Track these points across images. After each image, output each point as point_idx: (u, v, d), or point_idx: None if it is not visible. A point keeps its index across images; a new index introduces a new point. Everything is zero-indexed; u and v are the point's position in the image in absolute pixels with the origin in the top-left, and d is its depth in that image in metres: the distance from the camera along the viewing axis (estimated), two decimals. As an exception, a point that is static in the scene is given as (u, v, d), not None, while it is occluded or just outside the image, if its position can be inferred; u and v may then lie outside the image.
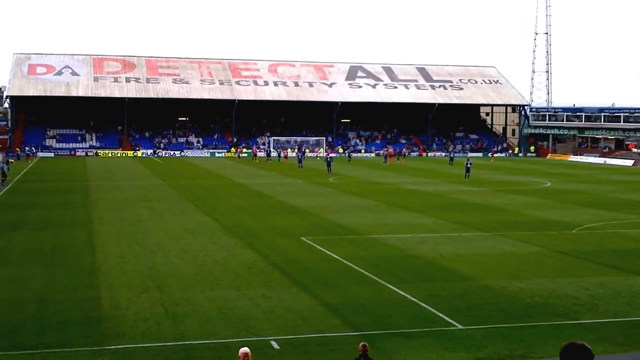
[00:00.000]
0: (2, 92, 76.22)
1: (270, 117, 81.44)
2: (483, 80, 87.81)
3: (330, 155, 59.32)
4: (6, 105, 73.90)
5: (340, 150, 74.98)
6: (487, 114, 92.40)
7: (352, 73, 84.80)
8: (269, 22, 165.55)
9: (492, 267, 18.08)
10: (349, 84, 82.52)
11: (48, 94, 71.72)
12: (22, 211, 27.80)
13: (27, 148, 66.36)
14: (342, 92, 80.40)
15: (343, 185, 40.85)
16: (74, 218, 25.92)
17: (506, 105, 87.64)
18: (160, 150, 72.98)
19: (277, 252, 19.75)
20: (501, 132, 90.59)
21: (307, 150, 73.23)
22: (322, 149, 75.78)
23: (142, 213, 27.39)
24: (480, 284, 16.07)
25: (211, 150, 74.40)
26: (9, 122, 74.68)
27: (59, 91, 72.30)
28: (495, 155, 76.32)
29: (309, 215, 27.31)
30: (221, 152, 73.87)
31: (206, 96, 76.07)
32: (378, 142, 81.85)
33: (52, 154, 68.90)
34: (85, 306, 13.84)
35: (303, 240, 21.51)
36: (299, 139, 77.83)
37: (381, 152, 70.39)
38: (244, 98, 76.56)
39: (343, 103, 78.69)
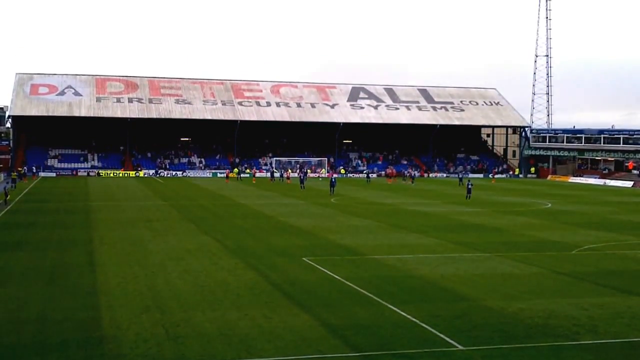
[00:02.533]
0: (4, 112, 76.71)
1: (273, 137, 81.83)
2: (484, 102, 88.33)
3: (334, 176, 59.38)
4: (8, 125, 74.30)
5: (342, 171, 75.16)
6: (488, 136, 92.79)
7: (354, 94, 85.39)
8: (272, 43, 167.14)
9: (493, 288, 18.08)
10: (350, 105, 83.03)
11: (50, 114, 72.15)
12: (23, 231, 27.87)
13: (28, 167, 66.48)
14: (344, 113, 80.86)
15: (344, 205, 40.91)
16: (74, 238, 25.94)
17: (507, 127, 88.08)
18: (162, 171, 73.24)
19: (278, 272, 19.76)
20: (502, 153, 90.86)
21: (309, 171, 73.41)
22: (324, 170, 76.02)
23: (143, 233, 27.43)
24: (481, 305, 16.06)
25: (213, 171, 74.64)
26: (11, 142, 75.05)
27: (61, 111, 72.73)
28: (496, 176, 76.45)
29: (311, 236, 27.34)
30: (223, 173, 74.10)
31: (208, 117, 76.54)
32: (380, 163, 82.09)
33: (54, 174, 69.15)
34: (85, 327, 13.84)
35: (304, 261, 21.53)
36: (301, 159, 78.12)
37: (380, 172, 70.58)
38: (246, 119, 77.03)
39: (345, 124, 79.12)
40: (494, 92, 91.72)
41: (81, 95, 75.84)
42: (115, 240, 25.34)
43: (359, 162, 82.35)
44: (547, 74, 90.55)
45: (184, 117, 76.00)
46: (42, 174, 68.13)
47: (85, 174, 70.25)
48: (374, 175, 75.14)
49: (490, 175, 76.13)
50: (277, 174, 67.76)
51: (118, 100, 76.34)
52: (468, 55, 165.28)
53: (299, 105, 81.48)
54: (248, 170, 71.73)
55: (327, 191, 49.73)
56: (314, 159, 78.62)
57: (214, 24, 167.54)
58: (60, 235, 26.59)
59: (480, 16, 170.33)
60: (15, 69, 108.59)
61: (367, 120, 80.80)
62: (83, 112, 73.32)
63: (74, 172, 70.60)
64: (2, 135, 78.67)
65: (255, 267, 20.50)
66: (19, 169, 61.09)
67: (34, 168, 67.84)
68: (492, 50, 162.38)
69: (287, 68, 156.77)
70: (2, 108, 78.89)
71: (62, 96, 75.09)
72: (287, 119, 78.75)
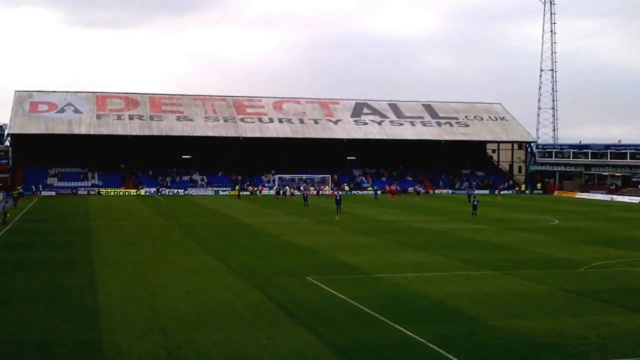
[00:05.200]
0: (3, 130, 77.00)
1: (275, 154, 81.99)
2: (489, 117, 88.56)
3: (339, 192, 59.36)
4: (7, 143, 74.56)
5: (346, 188, 75.24)
6: (494, 151, 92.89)
7: (358, 110, 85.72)
8: (274, 59, 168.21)
9: (500, 307, 18.06)
10: (354, 120, 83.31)
11: (50, 132, 72.04)
12: (23, 251, 27.93)
13: (21, 187, 66.07)
14: (347, 129, 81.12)
15: (349, 223, 40.93)
16: (75, 258, 25.97)
17: (512, 142, 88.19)
18: (164, 189, 73.33)
19: (282, 292, 19.77)
20: (508, 169, 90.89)
21: (312, 189, 73.37)
22: (327, 187, 76.09)
23: (145, 253, 27.48)
24: (489, 324, 16.04)
25: (215, 189, 74.75)
26: (10, 160, 75.20)
27: (61, 129, 72.77)
28: (501, 192, 76.39)
29: (315, 255, 27.36)
30: (225, 191, 74.19)
31: (210, 133, 76.79)
32: (384, 179, 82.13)
33: (53, 193, 69.10)
34: (86, 349, 13.83)
35: (308, 280, 21.54)
36: (304, 176, 78.17)
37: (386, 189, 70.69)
38: (249, 135, 77.29)
39: (349, 140, 79.34)
40: (499, 107, 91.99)
41: (81, 113, 76.03)
42: (116, 261, 25.37)
43: (363, 178, 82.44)
44: (553, 88, 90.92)
45: (186, 134, 76.25)
46: (42, 193, 68.08)
47: (86, 192, 70.27)
48: (379, 192, 75.26)
49: (496, 192, 76.11)
50: (281, 192, 67.79)
51: (118, 118, 76.64)
52: (472, 70, 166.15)
53: (301, 121, 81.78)
54: (251, 188, 71.86)
55: (331, 208, 49.75)
56: (318, 176, 78.72)
57: (213, 40, 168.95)
58: (61, 256, 26.63)
59: (484, 30, 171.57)
60: (14, 87, 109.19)
61: (371, 136, 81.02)
62: (83, 130, 73.48)
63: (74, 191, 70.61)
64: (1, 153, 78.93)
65: (259, 286, 20.51)
66: (18, 187, 61.27)
67: (33, 187, 67.91)
68: (497, 65, 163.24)
69: (290, 84, 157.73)
70: (1, 126, 78.94)
71: (62, 114, 75.21)
72: (289, 135, 78.99)
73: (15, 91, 78.49)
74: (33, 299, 18.65)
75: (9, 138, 73.07)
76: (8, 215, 39.47)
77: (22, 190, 62.58)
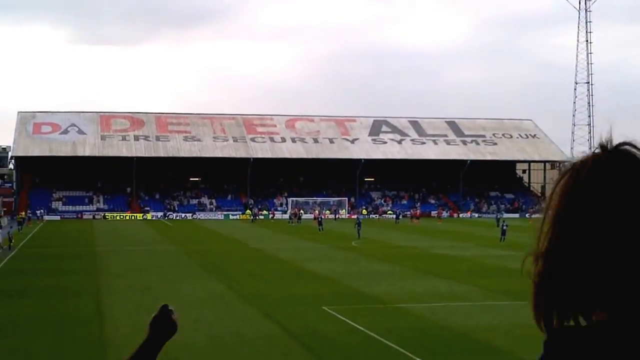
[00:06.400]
0: (7, 152, 78.69)
1: (288, 176, 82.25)
2: (519, 135, 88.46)
3: (360, 216, 59.42)
4: (11, 166, 76.05)
5: (364, 212, 75.35)
6: (524, 171, 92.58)
7: (376, 128, 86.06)
8: (286, 74, 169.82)
9: (531, 339, 17.99)
10: (372, 139, 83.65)
11: (53, 154, 73.42)
12: (28, 278, 28.66)
13: (30, 212, 67.60)
14: (365, 149, 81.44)
15: (367, 249, 41.05)
16: (81, 286, 26.56)
17: (544, 162, 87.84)
18: (171, 213, 73.96)
19: (296, 322, 19.98)
20: (540, 190, 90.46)
21: (327, 212, 73.41)
22: (344, 210, 76.23)
23: (153, 280, 27.88)
24: (518, 358, 16.10)
25: (225, 212, 75.19)
26: (14, 183, 76.52)
27: (65, 151, 74.13)
28: (533, 216, 75.93)
29: (331, 283, 27.55)
30: (235, 214, 74.57)
31: (219, 154, 77.50)
32: (405, 202, 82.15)
33: (58, 217, 70.10)
34: (93, 381, 14.18)
35: (324, 310, 21.72)
36: (319, 199, 78.33)
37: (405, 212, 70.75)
38: (260, 156, 77.87)
39: (366, 160, 79.58)
40: (529, 124, 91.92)
41: (85, 134, 77.26)
42: (123, 288, 25.82)
43: (382, 201, 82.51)
44: (589, 103, 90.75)
45: (193, 155, 77.06)
46: (46, 217, 69.31)
47: (91, 216, 71.28)
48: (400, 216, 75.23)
49: (526, 215, 75.83)
50: (295, 215, 68.08)
51: (123, 138, 77.74)
52: (501, 84, 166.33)
53: (316, 140, 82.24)
54: (265, 212, 72.13)
55: (348, 233, 49.86)
56: (334, 199, 78.89)
57: (221, 57, 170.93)
58: (67, 283, 27.24)
59: (513, 41, 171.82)
60: (17, 107, 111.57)
61: (390, 156, 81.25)
62: (87, 152, 74.72)
63: (79, 215, 71.70)
64: (5, 177, 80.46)
65: (272, 316, 20.74)
66: (22, 213, 62.49)
67: (37, 212, 68.96)
68: (527, 78, 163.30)
69: (303, 101, 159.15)
70: (4, 148, 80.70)
71: (66, 135, 76.52)
72: (303, 155, 79.45)
73: (19, 112, 79.90)
74: (39, 328, 19.13)
75: (12, 161, 74.55)
76: (13, 240, 40.88)
77: (30, 215, 64.12)
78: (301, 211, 70.76)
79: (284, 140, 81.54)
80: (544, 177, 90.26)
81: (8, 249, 38.81)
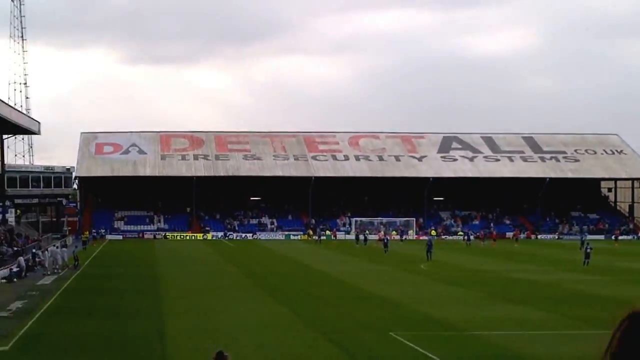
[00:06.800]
0: (71, 172, 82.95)
1: (352, 195, 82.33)
2: (604, 151, 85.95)
3: (431, 237, 58.73)
4: (75, 186, 79.99)
5: (433, 233, 74.43)
6: (610, 190, 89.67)
7: (446, 144, 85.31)
8: (348, 89, 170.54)
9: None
10: (441, 157, 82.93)
11: (115, 174, 76.41)
12: (93, 297, 30.09)
13: (95, 231, 70.68)
14: (433, 167, 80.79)
15: (437, 272, 40.53)
16: (143, 306, 27.38)
17: (632, 180, 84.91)
18: (231, 233, 75.26)
19: (361, 348, 19.87)
20: (627, 210, 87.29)
21: (394, 233, 73.02)
22: (412, 231, 75.58)
23: (214, 302, 28.36)
24: (605, 392, 15.48)
25: (286, 232, 75.87)
26: (78, 203, 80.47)
27: (126, 171, 76.92)
28: (619, 237, 73.37)
29: (399, 307, 27.30)
30: (297, 235, 75.10)
31: (280, 173, 78.42)
32: (477, 222, 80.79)
33: (120, 237, 72.91)
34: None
35: (392, 336, 21.50)
36: (384, 219, 78.02)
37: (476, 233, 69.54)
38: (322, 175, 78.30)
39: (435, 179, 78.85)
40: (615, 139, 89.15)
41: (146, 154, 79.94)
42: (184, 310, 26.47)
43: (452, 222, 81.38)
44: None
45: (253, 174, 78.25)
46: (108, 236, 72.39)
47: (152, 236, 73.63)
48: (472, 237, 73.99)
49: (613, 237, 73.20)
50: (361, 237, 67.86)
51: (183, 158, 79.88)
52: (583, 95, 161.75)
53: (381, 158, 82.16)
54: (328, 232, 72.38)
55: (415, 255, 49.39)
56: (400, 219, 78.38)
57: (281, 71, 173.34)
58: (129, 303, 28.23)
59: (597, 46, 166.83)
60: (80, 128, 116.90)
61: (461, 174, 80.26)
62: (148, 171, 77.23)
63: (140, 235, 74.22)
64: (70, 197, 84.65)
65: (336, 341, 20.69)
66: (86, 232, 65.80)
67: (101, 231, 72.02)
68: (613, 88, 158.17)
69: (367, 117, 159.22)
70: (68, 169, 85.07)
71: (127, 155, 79.53)
72: (367, 174, 79.45)
73: (81, 133, 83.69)
74: (103, 348, 19.89)
75: (76, 181, 78.33)
76: (79, 260, 43.46)
77: (94, 235, 67.83)
78: (366, 232, 70.49)
79: (347, 158, 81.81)
80: (632, 196, 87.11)
81: (74, 268, 41.36)
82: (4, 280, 37.09)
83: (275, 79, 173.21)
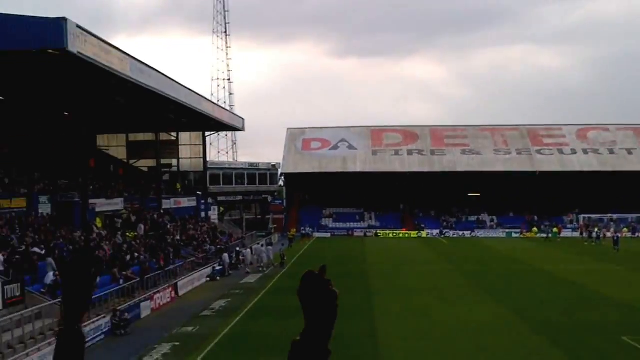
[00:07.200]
0: (277, 169, 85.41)
1: (579, 190, 78.52)
2: None
3: None
4: (281, 183, 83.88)
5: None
6: None
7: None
8: (576, 78, 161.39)
9: None
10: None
11: (323, 170, 78.19)
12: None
13: (302, 228, 74.34)
14: (672, 159, 74.28)
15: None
16: (353, 304, 27.49)
17: None
18: (448, 230, 75.53)
19: (591, 353, 19.39)
20: None
21: (625, 230, 68.48)
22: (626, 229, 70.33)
23: (429, 302, 28.72)
24: None
25: (507, 230, 74.50)
26: (284, 200, 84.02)
27: (335, 167, 78.62)
28: None
29: (631, 311, 26.04)
30: (518, 232, 73.54)
31: (501, 168, 76.92)
32: None
33: (328, 235, 75.18)
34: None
35: (625, 341, 20.88)
36: (614, 216, 73.47)
37: None
38: (547, 169, 75.66)
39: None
40: None
41: (356, 149, 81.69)
42: (398, 309, 27.02)
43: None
44: None
45: (472, 169, 77.43)
46: (316, 234, 74.41)
47: (362, 234, 75.53)
48: None
49: None
50: (594, 234, 64.84)
51: (396, 153, 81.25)
52: None
53: (611, 151, 77.54)
54: (555, 229, 69.95)
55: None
56: (632, 215, 73.21)
57: (503, 61, 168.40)
58: (339, 302, 29.75)
59: None
60: (286, 124, 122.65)
61: None
62: (358, 167, 79.06)
63: (350, 233, 76.44)
64: (276, 194, 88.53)
65: (563, 346, 20.37)
66: (292, 230, 68.56)
67: (308, 229, 75.22)
68: None
69: (597, 107, 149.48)
70: (274, 165, 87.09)
71: (335, 150, 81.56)
72: (596, 168, 75.33)
73: (288, 129, 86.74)
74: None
75: (282, 177, 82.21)
76: (285, 258, 44.81)
77: (303, 232, 69.88)
78: (596, 229, 67.02)
79: (574, 152, 78.28)
80: None
81: (280, 266, 42.15)
82: (207, 279, 37.63)
83: (496, 69, 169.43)
